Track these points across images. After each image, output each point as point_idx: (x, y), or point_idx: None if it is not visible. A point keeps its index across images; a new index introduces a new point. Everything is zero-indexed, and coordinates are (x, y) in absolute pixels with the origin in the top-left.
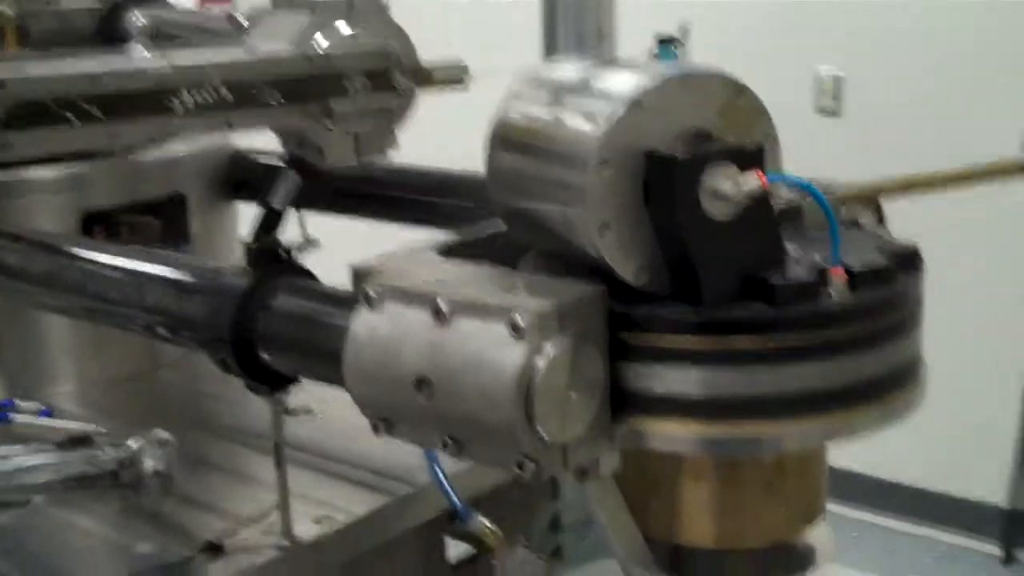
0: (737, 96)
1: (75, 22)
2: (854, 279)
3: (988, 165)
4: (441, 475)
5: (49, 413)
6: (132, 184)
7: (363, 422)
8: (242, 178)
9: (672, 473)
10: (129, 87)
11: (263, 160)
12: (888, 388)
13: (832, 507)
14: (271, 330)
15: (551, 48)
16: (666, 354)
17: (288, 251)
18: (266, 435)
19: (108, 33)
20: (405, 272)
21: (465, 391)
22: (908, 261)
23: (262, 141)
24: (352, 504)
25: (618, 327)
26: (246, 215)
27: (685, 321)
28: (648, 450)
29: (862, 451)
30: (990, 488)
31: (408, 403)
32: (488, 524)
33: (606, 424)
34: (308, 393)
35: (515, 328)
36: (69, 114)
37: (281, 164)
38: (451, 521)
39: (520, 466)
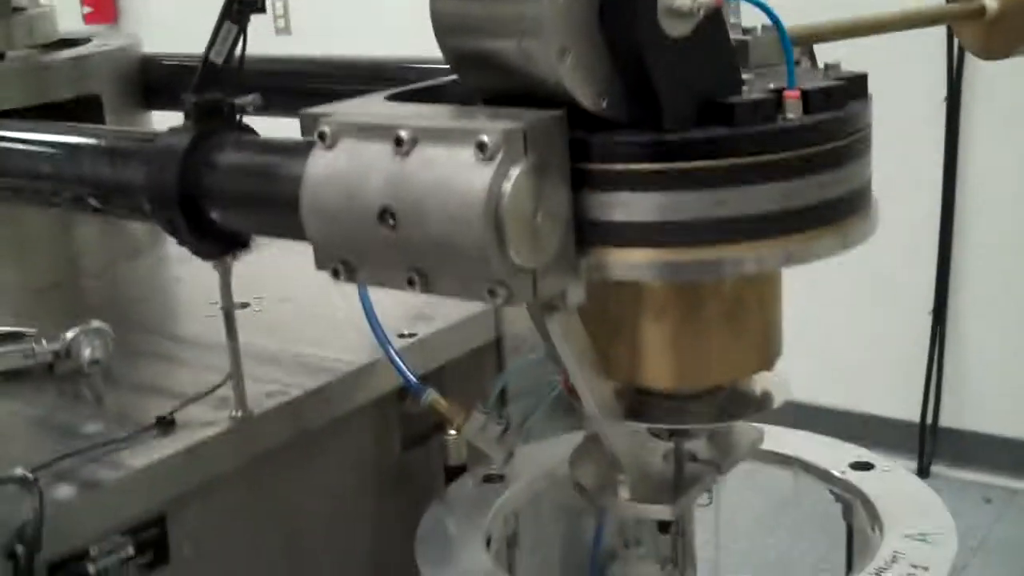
0: None
1: None
2: (808, 102)
3: (913, 12)
4: (393, 351)
5: None
6: (43, 84)
7: (301, 314)
8: (154, 84)
9: (633, 313)
10: None
11: (174, 63)
12: (845, 212)
13: None
14: (220, 185)
15: None
16: (628, 180)
17: (231, 106)
18: (199, 333)
19: None
20: (358, 112)
21: (433, 217)
22: (858, 86)
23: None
24: (302, 380)
25: (579, 157)
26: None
27: (646, 146)
28: (611, 286)
29: None
30: (905, 406)
31: (372, 239)
32: (441, 397)
33: (571, 255)
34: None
35: (481, 148)
36: None
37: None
38: (403, 398)
39: (492, 292)
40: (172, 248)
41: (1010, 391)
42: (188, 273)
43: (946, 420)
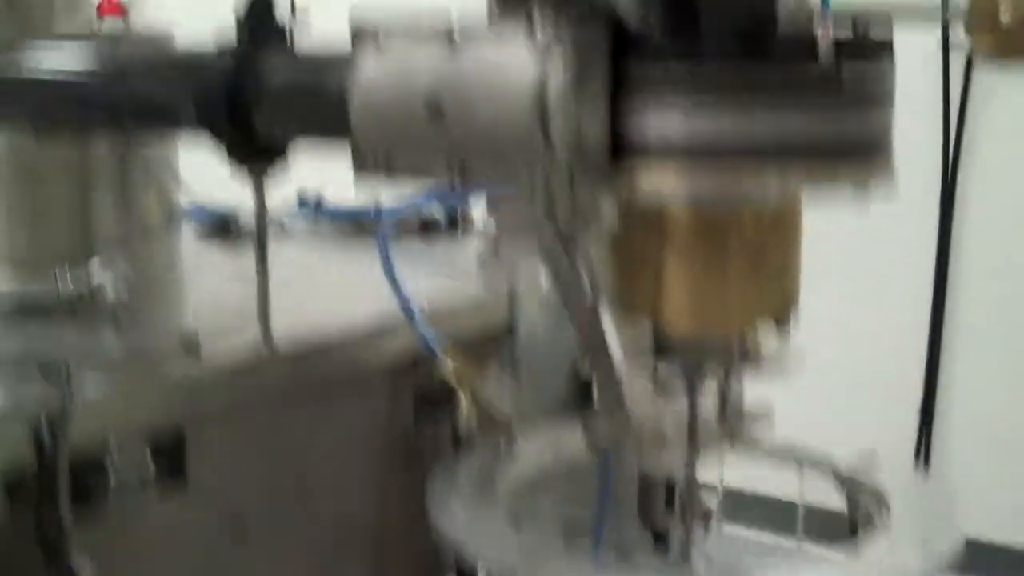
0: None
1: None
2: (841, 48)
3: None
4: (413, 311)
5: None
6: None
7: (319, 279)
8: None
9: (656, 248)
10: None
11: None
12: (869, 152)
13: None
14: (268, 90)
15: None
16: (662, 92)
17: (281, 22)
18: (220, 293)
19: None
20: (408, 19)
21: (480, 103)
22: (883, 38)
23: None
24: (326, 330)
25: (620, 72)
26: None
27: (684, 64)
28: (635, 217)
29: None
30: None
31: (416, 130)
32: (458, 359)
33: (607, 166)
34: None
35: (531, 37)
36: None
37: None
38: (416, 367)
39: (531, 178)
40: (186, 231)
41: (999, 496)
42: (205, 251)
43: None
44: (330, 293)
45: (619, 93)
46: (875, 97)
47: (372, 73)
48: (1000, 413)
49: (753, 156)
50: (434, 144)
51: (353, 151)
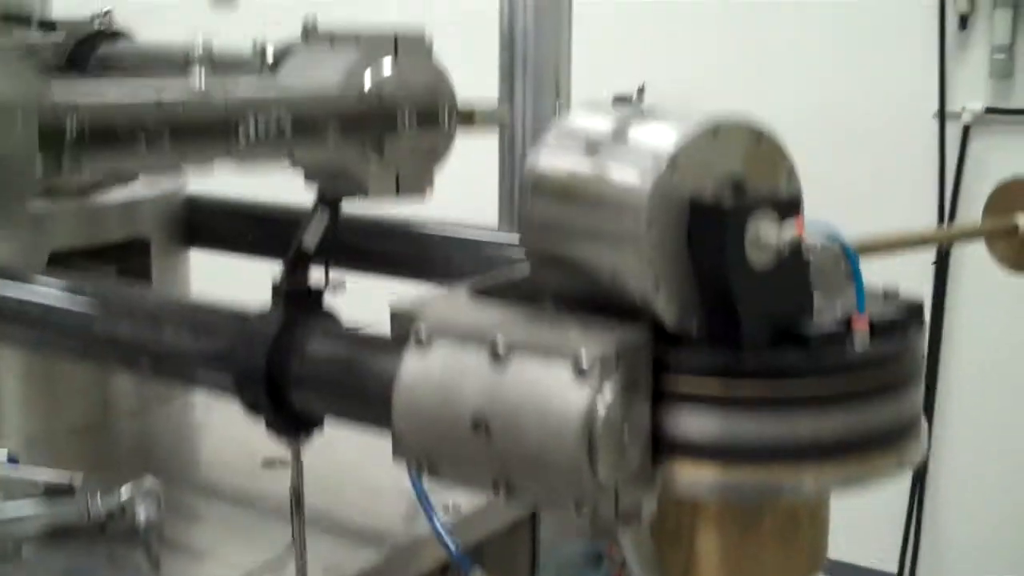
0: (759, 142)
1: (42, 55)
2: (873, 329)
3: (953, 229)
4: (438, 525)
5: (16, 461)
6: (94, 227)
7: (341, 477)
8: (197, 224)
9: (691, 524)
10: (197, 114)
11: (218, 205)
12: (903, 436)
13: None
14: (308, 372)
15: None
16: (703, 398)
17: (318, 293)
18: (243, 488)
19: (78, 66)
20: (450, 313)
21: (527, 432)
22: (916, 313)
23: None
24: (353, 555)
25: (658, 370)
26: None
27: (726, 367)
28: (676, 497)
29: None
30: (883, 556)
31: (461, 444)
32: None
33: (648, 469)
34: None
35: (579, 369)
36: (138, 137)
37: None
38: (444, 573)
39: (577, 507)
40: (200, 394)
41: (989, 550)
42: (220, 420)
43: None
44: (359, 494)
45: (659, 399)
46: (909, 376)
47: (415, 377)
48: (992, 473)
49: (789, 460)
50: (479, 458)
51: (395, 445)
